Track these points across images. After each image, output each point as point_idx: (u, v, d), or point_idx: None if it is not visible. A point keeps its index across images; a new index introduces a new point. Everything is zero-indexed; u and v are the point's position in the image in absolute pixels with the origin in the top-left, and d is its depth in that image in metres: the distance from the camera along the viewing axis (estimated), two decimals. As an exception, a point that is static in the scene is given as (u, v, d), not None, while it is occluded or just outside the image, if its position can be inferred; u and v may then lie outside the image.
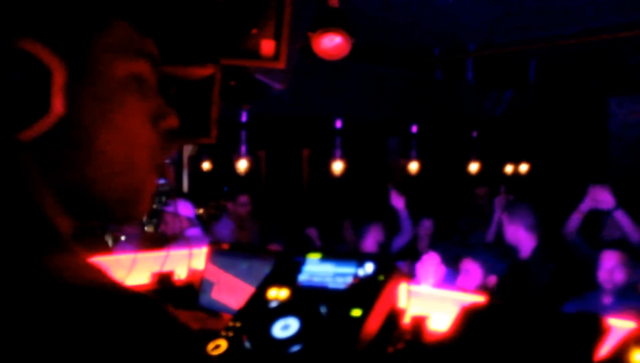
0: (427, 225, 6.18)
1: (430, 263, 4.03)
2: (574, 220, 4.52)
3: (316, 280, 1.83)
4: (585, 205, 4.66)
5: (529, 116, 8.13)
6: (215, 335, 1.65)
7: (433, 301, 1.93)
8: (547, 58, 6.88)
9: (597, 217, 4.96)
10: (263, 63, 2.07)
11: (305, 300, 1.77)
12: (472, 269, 3.79)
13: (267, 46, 1.97)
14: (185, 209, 5.11)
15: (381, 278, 1.75)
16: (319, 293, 1.77)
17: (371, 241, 5.40)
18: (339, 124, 7.40)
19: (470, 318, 1.73)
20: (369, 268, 1.80)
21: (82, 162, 0.72)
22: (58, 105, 0.70)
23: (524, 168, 9.51)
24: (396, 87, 7.08)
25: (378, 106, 7.23)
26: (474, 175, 8.97)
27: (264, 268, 2.09)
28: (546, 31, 5.87)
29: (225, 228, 5.72)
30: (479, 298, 1.91)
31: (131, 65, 0.75)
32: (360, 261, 1.81)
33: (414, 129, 8.35)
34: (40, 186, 0.71)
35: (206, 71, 2.13)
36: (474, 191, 7.26)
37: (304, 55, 2.62)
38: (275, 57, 1.98)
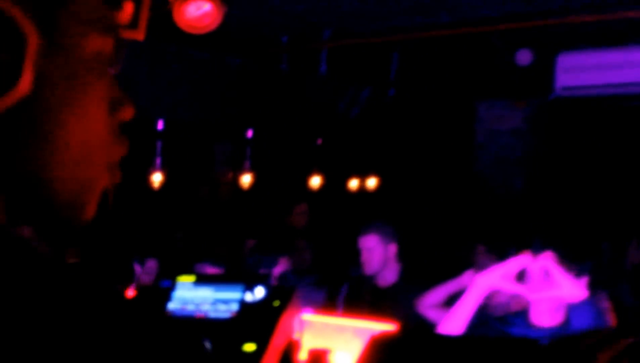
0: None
1: None
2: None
3: (191, 309, 1.79)
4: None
5: (387, 119, 8.45)
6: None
7: (333, 333, 1.94)
8: (411, 52, 7.21)
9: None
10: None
11: (177, 334, 1.72)
12: None
13: (124, 10, 1.88)
14: None
15: (276, 304, 1.73)
16: (196, 324, 1.73)
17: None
18: (160, 125, 7.27)
19: (381, 351, 1.75)
20: (259, 292, 1.78)
21: (37, 151, 0.73)
22: (26, 80, 0.69)
23: (372, 182, 9.84)
24: (230, 81, 7.07)
25: (207, 103, 7.18)
26: (315, 191, 9.16)
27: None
28: (411, 20, 6.16)
29: None
30: (388, 327, 1.95)
31: (100, 42, 0.76)
32: (248, 284, 1.78)
33: (250, 133, 8.38)
34: None
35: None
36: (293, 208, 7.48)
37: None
38: (133, 24, 1.89)
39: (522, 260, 3.05)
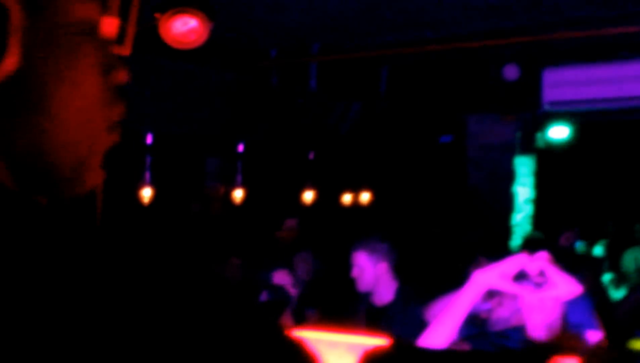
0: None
1: None
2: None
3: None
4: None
5: (377, 134, 8.47)
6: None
7: (325, 348, 1.92)
8: (401, 66, 7.24)
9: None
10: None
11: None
12: None
13: (109, 25, 1.87)
14: None
15: (267, 319, 1.72)
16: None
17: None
18: (149, 139, 7.26)
19: (375, 366, 1.73)
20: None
21: (34, 124, 0.74)
22: (14, 55, 0.71)
23: (365, 197, 9.86)
24: (220, 95, 7.07)
25: (196, 117, 7.17)
26: (309, 206, 9.17)
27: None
28: (401, 35, 6.19)
29: None
30: (382, 342, 1.93)
31: (84, 9, 0.78)
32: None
33: (240, 148, 8.38)
34: None
35: None
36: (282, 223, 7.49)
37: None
38: (119, 40, 1.89)
39: (519, 260, 3.08)
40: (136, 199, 7.25)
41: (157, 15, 2.31)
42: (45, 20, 0.74)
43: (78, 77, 0.77)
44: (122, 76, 0.83)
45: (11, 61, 0.71)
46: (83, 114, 0.78)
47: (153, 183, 7.33)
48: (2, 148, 0.74)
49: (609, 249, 7.93)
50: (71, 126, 0.77)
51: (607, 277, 6.85)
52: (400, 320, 4.60)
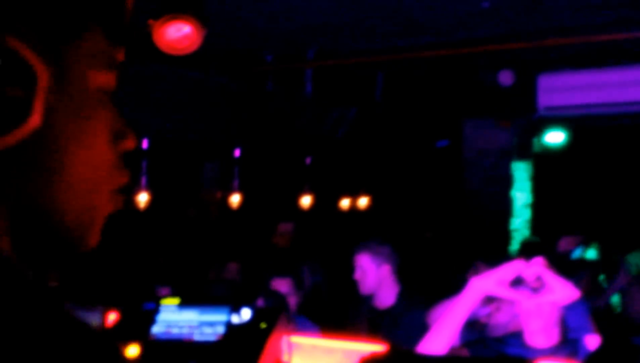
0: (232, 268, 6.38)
1: None
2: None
3: (175, 332, 1.77)
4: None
5: (373, 139, 8.47)
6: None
7: (322, 355, 1.92)
8: (397, 72, 7.24)
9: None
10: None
11: (163, 358, 1.71)
12: None
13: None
14: None
15: (263, 325, 1.72)
16: (181, 348, 1.71)
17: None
18: (145, 144, 7.25)
19: (370, 372, 1.74)
20: (245, 314, 1.76)
21: (46, 182, 0.77)
22: (37, 114, 0.74)
23: (363, 201, 9.86)
24: (216, 100, 7.06)
25: (193, 122, 7.16)
26: (306, 210, 9.16)
27: (95, 320, 2.00)
28: (396, 41, 6.19)
29: None
30: (378, 348, 1.93)
31: (103, 77, 0.81)
32: (234, 306, 1.77)
33: (237, 153, 8.38)
34: None
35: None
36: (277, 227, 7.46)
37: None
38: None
39: (515, 266, 3.07)
40: (132, 204, 7.23)
41: (150, 21, 2.30)
42: (68, 84, 0.78)
43: (91, 142, 0.80)
44: (130, 144, 0.86)
45: (35, 120, 0.74)
46: (92, 178, 0.81)
47: (149, 188, 7.32)
48: (8, 203, 0.76)
49: (605, 251, 7.94)
50: (80, 189, 0.80)
51: (601, 277, 6.87)
52: (402, 324, 4.57)
